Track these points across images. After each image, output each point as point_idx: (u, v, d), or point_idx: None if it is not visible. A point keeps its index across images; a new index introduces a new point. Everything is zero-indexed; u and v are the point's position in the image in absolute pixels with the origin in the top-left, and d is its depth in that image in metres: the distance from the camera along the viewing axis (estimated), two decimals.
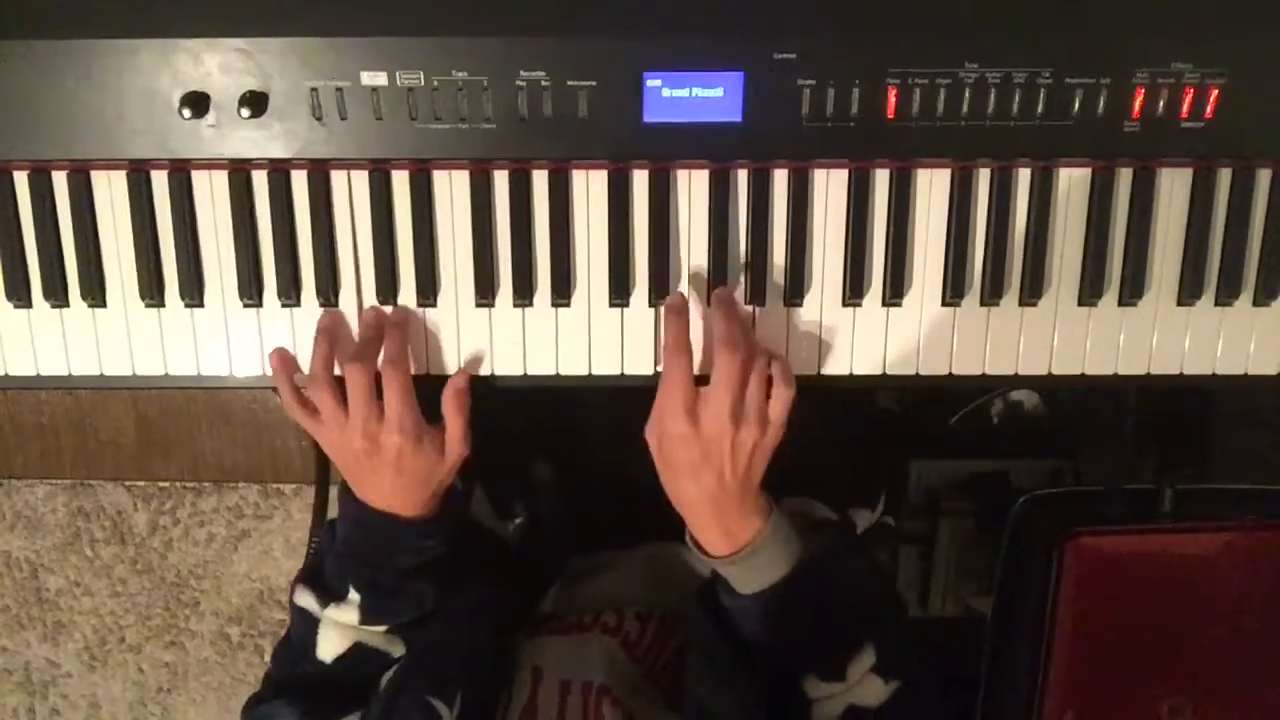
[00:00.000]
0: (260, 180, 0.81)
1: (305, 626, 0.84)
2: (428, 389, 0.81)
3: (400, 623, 0.83)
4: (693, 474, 0.76)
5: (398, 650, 0.84)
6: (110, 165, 0.80)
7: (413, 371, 0.83)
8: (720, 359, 0.75)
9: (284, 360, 0.82)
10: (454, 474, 0.83)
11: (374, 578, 0.82)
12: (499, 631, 0.85)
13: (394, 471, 0.79)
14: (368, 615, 0.82)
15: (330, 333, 0.81)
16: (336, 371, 0.80)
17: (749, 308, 0.83)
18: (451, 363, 0.84)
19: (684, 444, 0.76)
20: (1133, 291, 0.83)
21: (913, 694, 0.79)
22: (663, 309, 0.81)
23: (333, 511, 1.06)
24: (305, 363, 0.83)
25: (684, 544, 0.93)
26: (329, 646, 0.82)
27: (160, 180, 0.80)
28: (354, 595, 0.82)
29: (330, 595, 0.83)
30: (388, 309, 0.83)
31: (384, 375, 0.78)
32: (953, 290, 0.82)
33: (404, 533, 0.81)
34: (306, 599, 0.84)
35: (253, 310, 0.83)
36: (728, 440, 0.75)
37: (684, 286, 0.82)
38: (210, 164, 0.80)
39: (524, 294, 0.82)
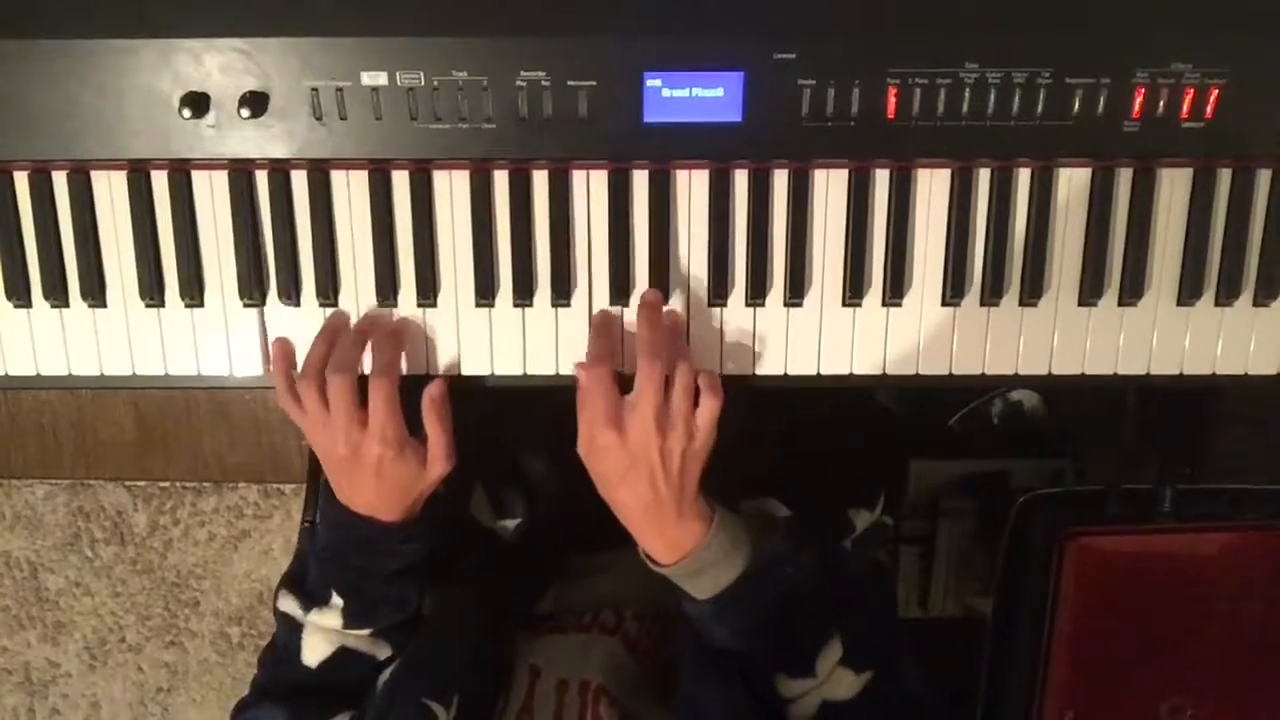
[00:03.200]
0: (260, 180, 0.81)
1: (289, 632, 0.84)
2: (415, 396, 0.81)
3: (384, 626, 0.83)
4: (625, 483, 0.76)
5: (383, 653, 0.84)
6: (110, 165, 0.80)
7: (413, 371, 0.83)
8: (641, 366, 0.75)
9: (284, 351, 0.82)
10: (436, 483, 0.82)
11: (355, 582, 0.82)
12: (496, 632, 0.84)
13: (375, 478, 0.78)
14: (350, 620, 0.82)
15: (331, 334, 0.81)
16: None
17: (749, 309, 0.83)
18: (451, 363, 0.84)
19: (612, 453, 0.76)
20: (1133, 291, 0.83)
21: (888, 683, 0.79)
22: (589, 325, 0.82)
23: None
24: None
25: None
26: (314, 651, 0.83)
27: (160, 180, 0.80)
28: (336, 600, 0.82)
29: (312, 600, 0.83)
30: (387, 315, 0.82)
31: (370, 385, 0.77)
32: (953, 290, 0.82)
33: (385, 537, 0.81)
34: (289, 604, 0.84)
35: (253, 310, 0.83)
36: (655, 448, 0.75)
37: (684, 287, 0.82)
38: (210, 164, 0.80)
39: (524, 294, 0.82)
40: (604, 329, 0.81)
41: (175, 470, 1.67)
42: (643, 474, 0.75)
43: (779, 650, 0.79)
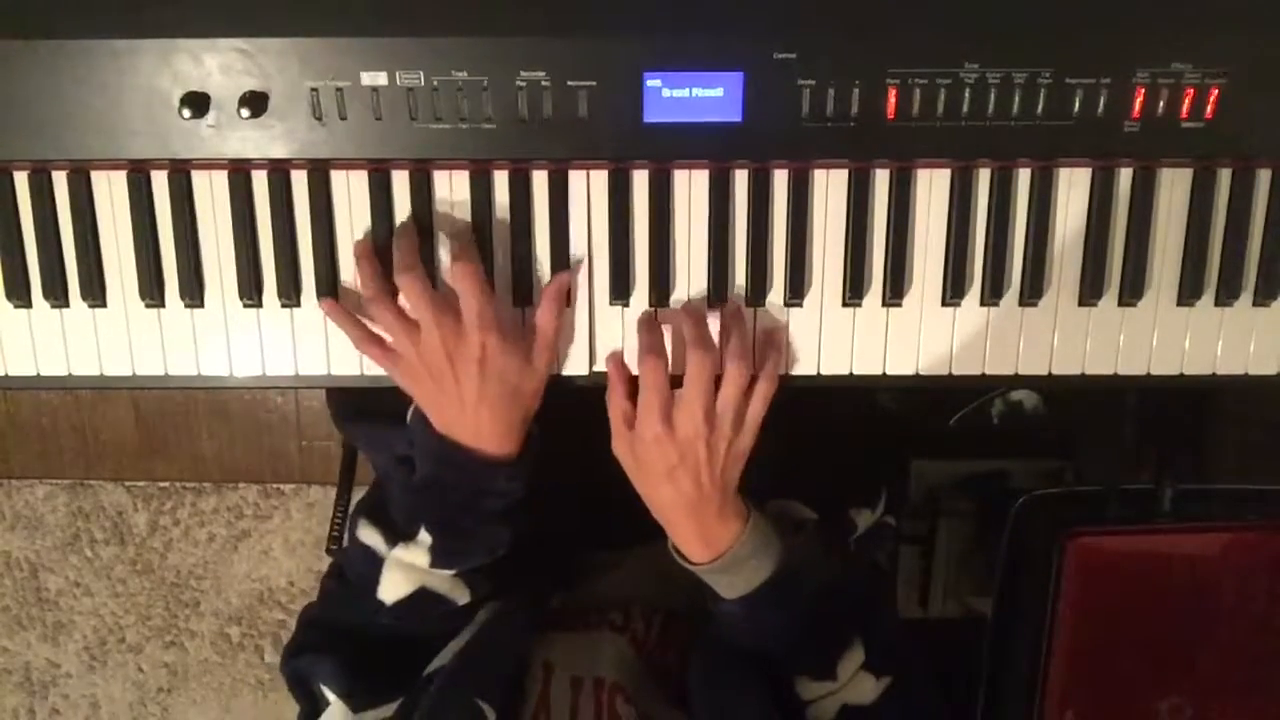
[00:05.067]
0: (260, 180, 0.81)
1: (368, 564, 0.80)
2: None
3: (470, 568, 0.81)
4: (669, 478, 0.76)
5: (463, 597, 0.81)
6: (110, 165, 0.80)
7: None
8: (691, 360, 0.75)
9: (335, 305, 0.79)
10: (541, 393, 0.79)
11: (451, 519, 0.79)
12: (534, 632, 0.84)
13: (480, 380, 0.75)
14: (438, 558, 0.79)
15: (369, 254, 0.78)
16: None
17: (749, 310, 0.83)
18: None
19: (659, 446, 0.75)
20: (1133, 291, 0.83)
21: (905, 689, 0.79)
22: (635, 322, 0.81)
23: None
24: (310, 359, 0.83)
25: None
26: (392, 588, 0.80)
27: (160, 180, 0.80)
28: (425, 536, 0.79)
29: (398, 535, 0.80)
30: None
31: (454, 272, 0.75)
32: (953, 290, 0.82)
33: (491, 474, 0.78)
34: (372, 536, 0.80)
35: (253, 310, 0.83)
36: (702, 441, 0.75)
37: (684, 287, 0.82)
38: (210, 164, 0.80)
39: (524, 294, 0.82)
40: (652, 324, 0.80)
41: (175, 470, 1.68)
42: (689, 469, 0.75)
43: (802, 652, 0.79)
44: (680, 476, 0.76)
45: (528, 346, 0.78)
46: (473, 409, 0.76)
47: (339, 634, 0.81)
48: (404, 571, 0.80)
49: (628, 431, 0.77)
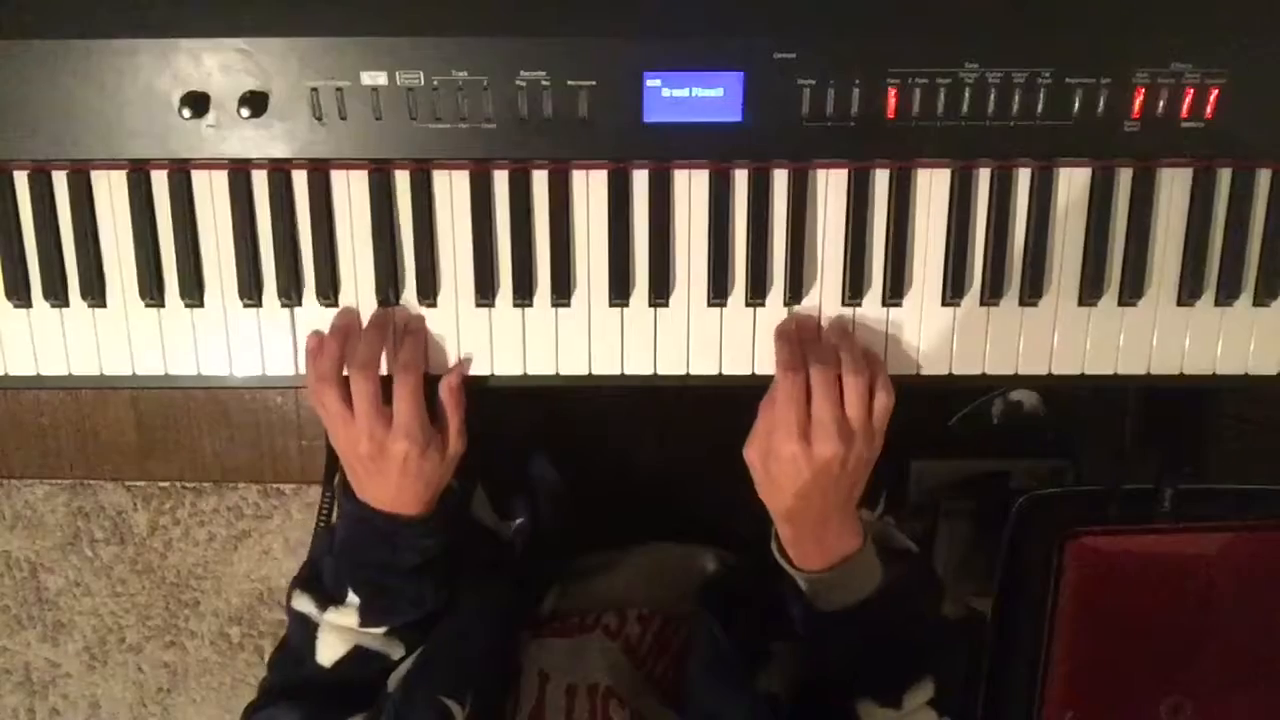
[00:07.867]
0: (260, 180, 0.81)
1: (304, 631, 0.83)
2: (427, 388, 0.81)
3: (399, 624, 0.83)
4: (799, 493, 0.76)
5: (398, 652, 0.84)
6: (110, 165, 0.80)
7: None
8: (816, 376, 0.75)
9: (317, 344, 0.81)
10: (452, 472, 0.83)
11: (373, 579, 0.82)
12: (507, 632, 0.84)
13: (399, 474, 0.78)
14: (367, 617, 0.82)
15: (344, 332, 0.80)
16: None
17: (749, 309, 0.83)
18: (452, 363, 0.83)
19: (793, 464, 0.75)
20: (1133, 291, 0.83)
21: None
22: (772, 333, 0.82)
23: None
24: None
25: (684, 545, 0.93)
26: (328, 650, 0.82)
27: (160, 180, 0.80)
28: (353, 598, 0.82)
29: (329, 599, 0.83)
30: (401, 311, 0.82)
31: (395, 381, 0.78)
32: (953, 290, 0.82)
33: (405, 532, 0.81)
34: (304, 603, 0.83)
35: (253, 310, 0.83)
36: (838, 461, 0.75)
37: (684, 287, 0.82)
38: (210, 164, 0.80)
39: (524, 294, 0.82)
40: (792, 336, 0.80)
41: (175, 470, 1.67)
42: (820, 486, 0.75)
43: (876, 676, 0.80)
44: (810, 492, 0.75)
45: (443, 446, 0.80)
46: (391, 489, 0.80)
47: (292, 687, 0.84)
48: (337, 633, 0.82)
49: (767, 441, 0.77)
